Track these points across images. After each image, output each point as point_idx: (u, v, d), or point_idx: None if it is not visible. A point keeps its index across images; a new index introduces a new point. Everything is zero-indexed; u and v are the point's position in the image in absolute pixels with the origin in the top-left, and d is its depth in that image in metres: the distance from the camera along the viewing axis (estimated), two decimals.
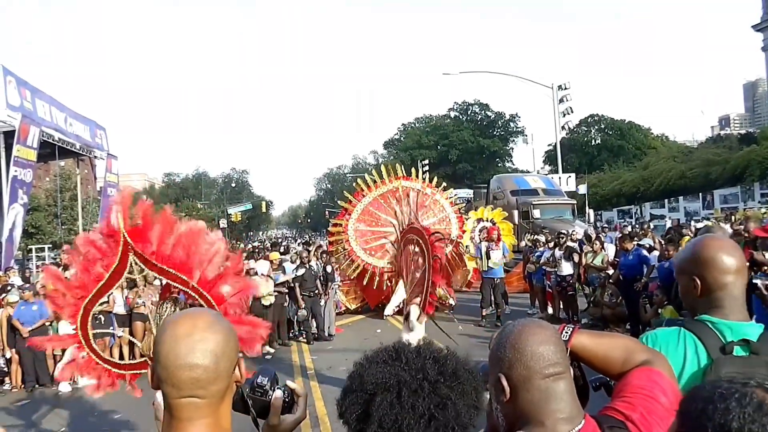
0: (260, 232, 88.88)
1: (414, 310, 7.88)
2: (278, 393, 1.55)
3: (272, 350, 11.65)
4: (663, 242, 12.10)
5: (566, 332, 1.64)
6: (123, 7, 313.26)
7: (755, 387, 1.16)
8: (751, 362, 1.77)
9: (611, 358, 1.60)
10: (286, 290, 12.25)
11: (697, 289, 1.95)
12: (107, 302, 10.79)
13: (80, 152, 23.34)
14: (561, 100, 24.53)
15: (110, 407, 8.88)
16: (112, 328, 10.92)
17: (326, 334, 12.44)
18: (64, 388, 9.85)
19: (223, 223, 57.96)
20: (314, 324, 12.57)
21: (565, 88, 24.50)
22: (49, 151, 20.95)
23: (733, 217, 19.28)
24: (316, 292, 12.34)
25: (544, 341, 1.45)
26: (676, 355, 1.88)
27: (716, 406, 1.16)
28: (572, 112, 25.26)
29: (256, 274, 11.93)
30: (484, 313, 12.76)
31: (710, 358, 1.82)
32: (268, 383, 1.55)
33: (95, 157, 24.77)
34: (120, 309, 11.01)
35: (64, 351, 10.11)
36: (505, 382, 1.44)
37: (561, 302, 12.59)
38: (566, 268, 12.08)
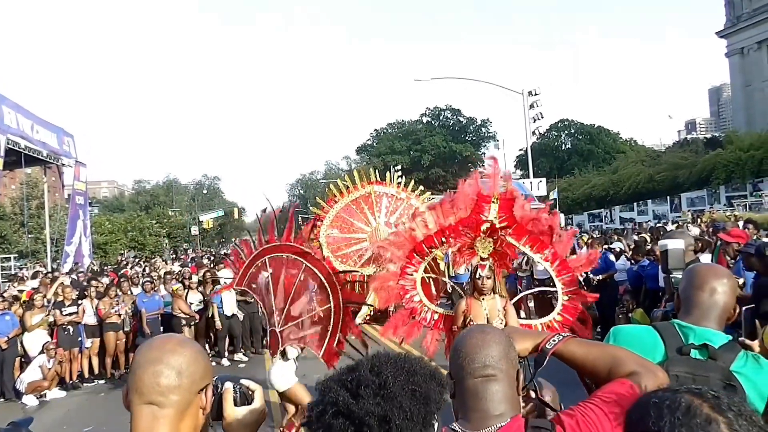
0: (233, 239, 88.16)
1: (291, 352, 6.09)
2: (228, 384, 1.60)
3: (246, 359, 11.57)
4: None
5: (553, 341, 1.72)
6: (89, 11, 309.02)
7: (684, 392, 1.23)
8: (706, 366, 1.83)
9: (598, 367, 1.67)
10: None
11: (676, 304, 2.13)
12: (77, 313, 10.63)
13: (47, 160, 22.94)
14: (531, 106, 24.75)
15: (81, 420, 8.73)
16: (80, 338, 10.75)
17: None
18: (30, 401, 9.63)
19: (194, 230, 57.35)
20: None
21: (535, 94, 24.71)
22: (15, 158, 20.57)
23: (699, 220, 19.67)
24: None
25: (480, 345, 1.56)
26: (635, 348, 1.94)
27: (651, 413, 1.23)
28: (542, 117, 25.50)
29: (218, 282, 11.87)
30: None
31: (666, 356, 1.89)
32: (218, 382, 1.60)
33: (63, 164, 24.36)
34: (90, 319, 10.82)
35: (28, 363, 9.98)
36: (449, 380, 1.57)
37: (537, 305, 12.69)
38: (542, 272, 12.15)
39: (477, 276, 4.93)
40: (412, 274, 5.41)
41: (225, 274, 12.32)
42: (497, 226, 5.07)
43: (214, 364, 11.54)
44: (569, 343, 1.70)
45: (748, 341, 2.33)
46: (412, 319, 5.40)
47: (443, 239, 5.20)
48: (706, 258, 7.77)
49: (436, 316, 5.42)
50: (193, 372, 1.43)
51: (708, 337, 1.90)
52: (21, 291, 12.16)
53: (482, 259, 5.08)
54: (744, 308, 4.37)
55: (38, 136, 21.28)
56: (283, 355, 6.05)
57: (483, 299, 4.90)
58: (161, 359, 1.41)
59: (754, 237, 8.48)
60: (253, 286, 6.26)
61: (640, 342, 1.96)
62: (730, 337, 1.94)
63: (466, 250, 5.16)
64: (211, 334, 12.31)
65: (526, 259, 12.76)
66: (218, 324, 11.46)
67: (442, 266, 13.83)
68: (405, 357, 1.41)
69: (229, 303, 11.59)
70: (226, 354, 11.73)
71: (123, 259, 33.19)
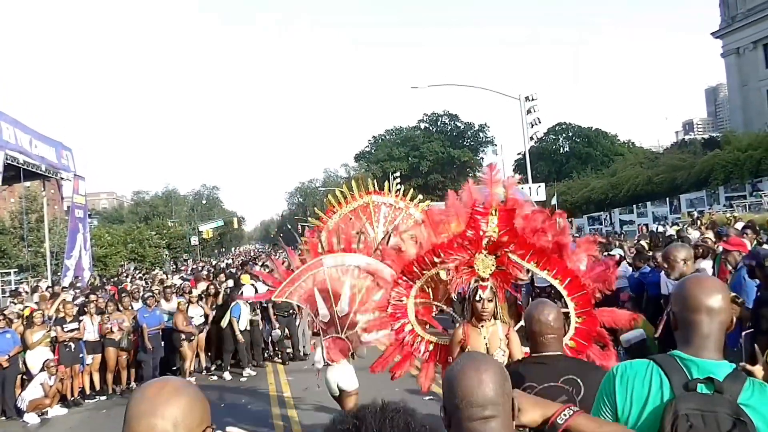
0: (232, 248, 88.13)
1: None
2: None
3: (253, 373, 11.51)
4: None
5: (564, 415, 1.75)
6: (85, 25, 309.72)
7: None
8: (713, 400, 1.80)
9: None
10: (260, 311, 12.18)
11: (673, 323, 2.05)
12: (78, 329, 10.60)
13: (46, 174, 22.94)
14: (528, 111, 24.73)
15: None
16: (81, 355, 10.71)
17: (302, 353, 12.34)
18: (32, 419, 9.58)
19: (194, 240, 57.30)
20: (290, 344, 12.51)
21: (533, 99, 24.70)
22: (13, 173, 20.55)
23: (699, 222, 19.64)
24: (291, 311, 12.26)
25: (476, 386, 1.54)
26: (642, 388, 1.94)
27: None
28: (540, 122, 25.46)
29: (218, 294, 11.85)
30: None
31: (673, 394, 1.86)
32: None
33: (62, 178, 24.36)
34: (90, 336, 10.79)
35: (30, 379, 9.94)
36: (442, 413, 1.59)
37: None
38: (543, 280, 12.12)
39: (477, 298, 4.21)
40: (401, 300, 4.68)
41: (247, 291, 12.30)
42: (496, 241, 4.41)
43: (215, 378, 11.53)
44: (579, 418, 1.72)
45: (749, 366, 2.30)
46: (402, 349, 4.69)
47: (436, 259, 4.50)
48: (706, 265, 7.75)
49: (431, 347, 4.70)
50: (189, 422, 1.41)
51: (711, 369, 1.87)
52: (25, 307, 12.11)
53: (482, 279, 4.36)
54: (743, 332, 4.35)
55: (36, 150, 21.26)
56: (353, 356, 6.25)
57: (482, 326, 4.23)
58: (155, 412, 1.38)
59: (754, 242, 8.47)
60: (301, 298, 6.21)
61: (645, 380, 1.94)
62: (734, 366, 1.91)
63: (465, 269, 4.42)
64: (213, 348, 12.32)
65: None
66: (240, 337, 11.49)
67: (443, 275, 13.84)
68: (390, 402, 1.39)
69: (244, 316, 11.59)
70: (229, 368, 11.71)
71: (123, 271, 33.16)
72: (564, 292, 4.34)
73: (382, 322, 4.73)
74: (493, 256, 4.44)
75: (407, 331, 4.67)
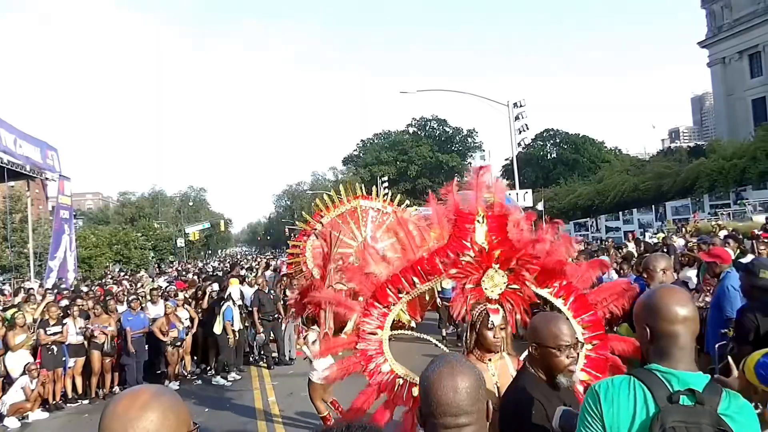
0: (219, 251, 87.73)
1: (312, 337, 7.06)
2: None
3: (238, 377, 11.43)
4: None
5: None
6: (72, 23, 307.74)
7: None
8: (696, 412, 1.84)
9: None
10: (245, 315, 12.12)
11: (647, 336, 2.04)
12: (61, 333, 10.47)
13: (30, 174, 22.74)
14: (516, 117, 24.76)
15: None
16: (64, 358, 10.58)
17: (287, 358, 12.29)
18: (12, 423, 9.46)
19: (180, 242, 57.00)
20: (275, 348, 12.44)
21: (521, 106, 24.75)
22: None
23: (684, 229, 19.80)
24: (276, 316, 12.21)
25: (452, 396, 1.56)
26: (627, 404, 1.95)
27: None
28: (528, 129, 25.47)
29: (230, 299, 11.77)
30: (444, 333, 12.76)
31: (657, 407, 1.88)
32: None
33: (46, 179, 24.16)
34: (73, 339, 10.65)
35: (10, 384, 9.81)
36: (418, 413, 1.61)
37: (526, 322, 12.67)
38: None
39: (489, 325, 3.20)
40: (375, 333, 3.68)
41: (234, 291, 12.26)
42: (506, 253, 3.54)
43: (200, 382, 11.45)
44: None
45: (723, 378, 2.33)
46: (380, 394, 3.64)
47: (414, 279, 3.65)
48: (691, 273, 7.81)
49: (415, 391, 3.48)
50: (164, 431, 1.39)
51: (690, 381, 1.90)
52: (9, 307, 11.95)
53: (489, 300, 3.43)
54: (717, 345, 4.40)
55: (21, 150, 21.09)
56: None
57: (489, 360, 3.22)
58: (126, 427, 1.36)
59: (737, 252, 8.55)
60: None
61: (630, 396, 1.95)
62: (709, 377, 1.95)
63: (471, 287, 3.50)
64: (199, 352, 12.24)
65: None
66: (232, 340, 11.42)
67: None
68: (356, 421, 1.40)
69: (237, 318, 11.54)
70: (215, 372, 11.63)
71: (108, 273, 32.87)
72: (569, 314, 3.55)
73: (352, 363, 3.72)
74: (505, 272, 3.55)
75: (385, 372, 3.64)
